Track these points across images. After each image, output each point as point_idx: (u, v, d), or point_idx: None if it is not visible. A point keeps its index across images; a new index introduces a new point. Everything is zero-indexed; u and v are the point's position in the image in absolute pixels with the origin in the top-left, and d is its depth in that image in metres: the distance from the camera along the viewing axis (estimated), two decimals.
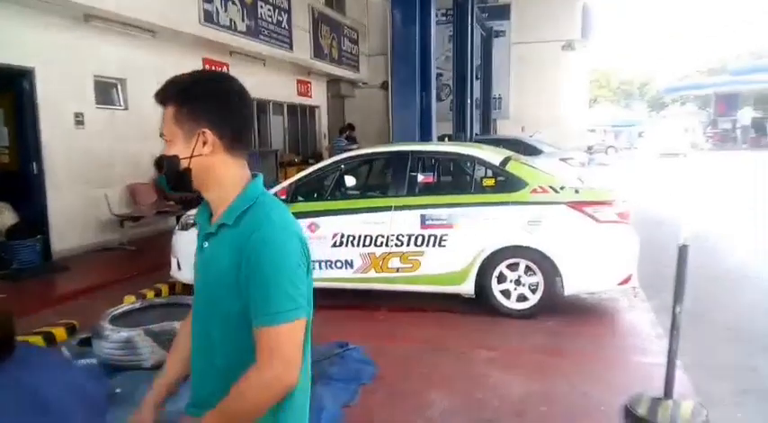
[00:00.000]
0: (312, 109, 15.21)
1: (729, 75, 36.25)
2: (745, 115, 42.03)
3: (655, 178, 18.97)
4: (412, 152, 5.61)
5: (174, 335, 3.35)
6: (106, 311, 3.68)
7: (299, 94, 14.18)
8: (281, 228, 1.28)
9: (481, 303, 5.10)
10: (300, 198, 5.58)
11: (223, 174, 1.34)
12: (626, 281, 4.89)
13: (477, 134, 14.31)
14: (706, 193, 14.34)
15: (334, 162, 5.73)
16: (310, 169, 5.65)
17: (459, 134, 11.98)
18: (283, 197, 5.48)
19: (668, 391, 3.29)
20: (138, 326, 3.43)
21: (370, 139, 14.64)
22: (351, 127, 13.82)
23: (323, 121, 15.71)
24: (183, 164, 1.31)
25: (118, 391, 2.86)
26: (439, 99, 17.97)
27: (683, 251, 3.16)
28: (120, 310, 3.72)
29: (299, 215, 5.35)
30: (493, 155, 5.44)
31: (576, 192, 4.97)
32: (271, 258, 1.23)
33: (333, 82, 15.68)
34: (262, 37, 10.54)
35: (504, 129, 18.35)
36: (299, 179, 5.59)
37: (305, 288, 1.28)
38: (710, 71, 45.05)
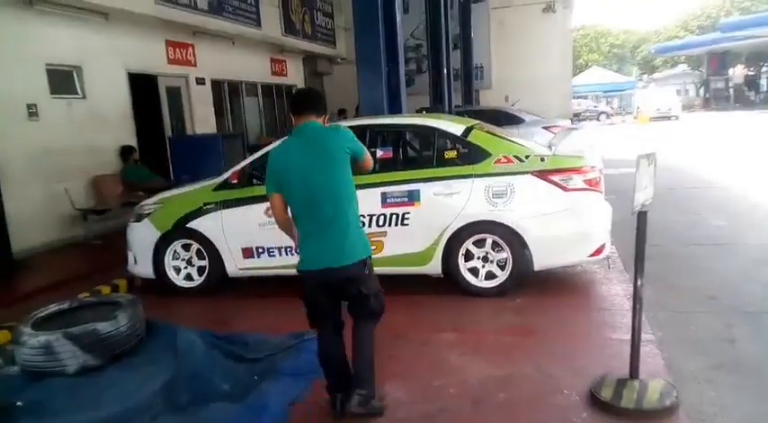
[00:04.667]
0: (289, 88, 14.75)
1: (720, 32, 35.26)
2: (738, 73, 41.27)
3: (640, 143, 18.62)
4: (369, 126, 5.29)
5: (98, 337, 3.12)
6: (30, 314, 3.41)
7: (274, 73, 13.70)
8: None
9: (450, 284, 4.85)
10: (256, 181, 5.28)
11: None
12: (598, 252, 4.61)
13: (457, 106, 13.89)
14: (690, 154, 14.03)
15: None
16: (263, 151, 5.33)
17: (437, 107, 11.56)
18: (235, 182, 5.20)
19: (634, 371, 3.04)
20: (61, 328, 3.16)
21: (350, 116, 14.20)
22: (342, 112, 13.24)
23: None
24: None
25: (19, 404, 2.61)
26: (420, 71, 17.55)
27: (641, 218, 2.87)
28: (45, 313, 3.44)
29: (255, 200, 5.12)
30: (454, 125, 5.11)
31: (542, 160, 4.66)
32: None
33: (309, 59, 15.17)
34: (226, 14, 10.08)
35: (487, 99, 17.86)
36: (253, 162, 5.29)
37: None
38: (701, 29, 44.03)
